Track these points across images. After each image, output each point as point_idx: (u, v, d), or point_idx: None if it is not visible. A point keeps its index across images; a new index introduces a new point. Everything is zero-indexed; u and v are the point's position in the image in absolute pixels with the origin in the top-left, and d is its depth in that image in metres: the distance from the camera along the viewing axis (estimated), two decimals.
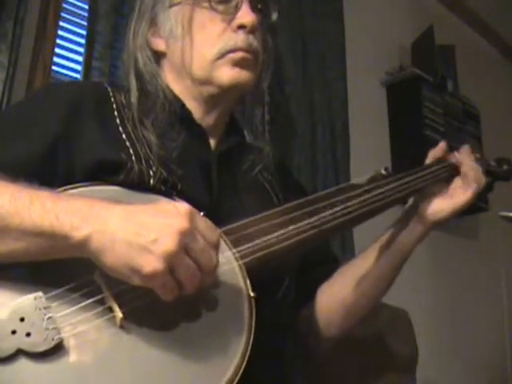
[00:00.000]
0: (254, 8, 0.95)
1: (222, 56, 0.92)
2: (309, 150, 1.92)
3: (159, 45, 0.98)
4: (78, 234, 0.64)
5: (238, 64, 0.93)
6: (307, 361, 1.19)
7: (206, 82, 0.94)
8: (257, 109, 1.06)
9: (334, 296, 1.04)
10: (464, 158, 1.01)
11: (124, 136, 0.87)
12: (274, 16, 1.02)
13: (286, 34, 1.93)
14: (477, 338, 2.63)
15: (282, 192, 1.01)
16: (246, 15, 0.93)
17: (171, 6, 0.96)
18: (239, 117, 1.08)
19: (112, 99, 0.92)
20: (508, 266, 3.01)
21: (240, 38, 0.93)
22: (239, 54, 0.92)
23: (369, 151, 2.21)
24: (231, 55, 0.92)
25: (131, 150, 0.85)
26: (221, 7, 0.94)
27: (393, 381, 1.43)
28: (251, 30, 0.93)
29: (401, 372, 1.46)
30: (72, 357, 0.63)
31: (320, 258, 1.09)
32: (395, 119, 2.49)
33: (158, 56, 0.99)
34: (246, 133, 1.07)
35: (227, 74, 0.93)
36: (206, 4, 0.94)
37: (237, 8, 0.94)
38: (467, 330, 2.59)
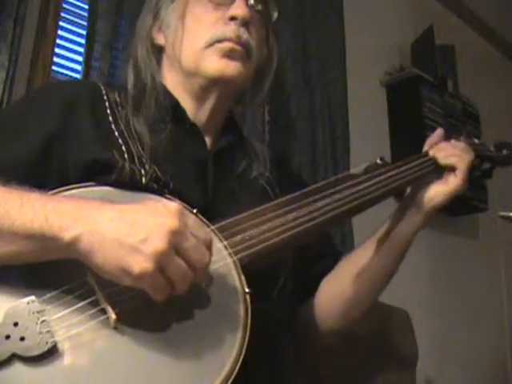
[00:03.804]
0: (250, 5, 0.95)
1: (209, 45, 0.93)
2: (309, 149, 1.92)
3: (159, 39, 1.00)
4: (68, 234, 0.63)
5: (225, 55, 0.92)
6: (306, 358, 1.19)
7: (194, 72, 0.95)
8: (257, 109, 1.05)
9: (334, 288, 1.03)
10: (441, 147, 1.00)
11: (117, 134, 0.87)
12: (275, 16, 1.02)
13: (286, 33, 1.94)
14: (477, 338, 2.63)
15: (281, 189, 1.01)
16: (238, 7, 0.93)
17: (172, 0, 0.98)
18: (239, 117, 1.08)
19: (105, 97, 0.92)
20: (508, 265, 3.01)
21: (230, 29, 0.93)
22: (227, 45, 0.92)
23: (369, 151, 2.21)
24: (219, 45, 0.92)
25: (124, 148, 0.85)
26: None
27: (393, 380, 1.43)
28: (242, 23, 0.93)
29: (401, 372, 1.46)
30: (66, 359, 0.62)
31: (322, 252, 1.08)
32: (395, 119, 2.49)
33: (160, 52, 1.00)
34: (244, 132, 1.06)
35: (214, 64, 0.92)
36: None
37: (232, 1, 0.94)
38: (467, 330, 2.59)
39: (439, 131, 1.04)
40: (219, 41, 0.92)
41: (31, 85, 1.42)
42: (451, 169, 0.96)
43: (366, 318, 1.05)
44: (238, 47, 0.93)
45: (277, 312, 0.93)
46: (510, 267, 3.01)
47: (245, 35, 0.93)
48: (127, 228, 0.63)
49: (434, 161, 0.98)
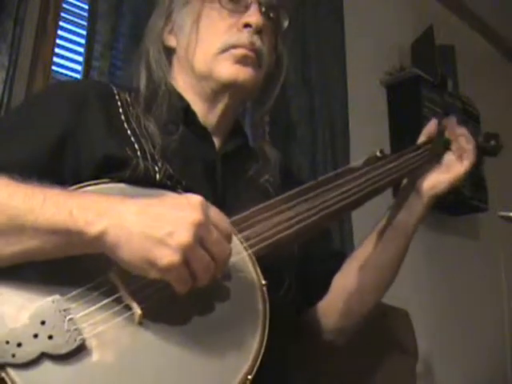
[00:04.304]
0: (263, 13, 0.97)
1: (223, 51, 0.94)
2: (309, 150, 1.92)
3: (171, 41, 1.01)
4: (93, 228, 0.64)
5: (239, 61, 0.94)
6: (309, 358, 1.20)
7: (206, 76, 0.96)
8: (258, 111, 1.07)
9: (337, 287, 1.04)
10: (458, 131, 1.03)
11: (129, 132, 0.88)
12: (285, 24, 1.05)
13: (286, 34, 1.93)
14: (477, 338, 2.63)
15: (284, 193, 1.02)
16: (252, 15, 0.95)
17: (186, 3, 0.99)
18: (239, 117, 1.08)
19: (117, 97, 0.93)
20: (508, 265, 3.01)
21: (244, 36, 0.94)
22: (241, 51, 0.94)
23: (369, 151, 2.20)
24: (233, 51, 0.94)
25: (136, 146, 0.86)
26: (230, 6, 0.96)
27: (393, 380, 1.43)
28: (256, 30, 0.95)
29: (401, 372, 1.47)
30: (95, 357, 0.63)
31: (326, 254, 1.09)
32: (395, 119, 2.49)
33: (171, 53, 1.01)
34: (249, 136, 1.08)
35: (227, 69, 0.94)
36: (216, 2, 0.96)
37: (246, 8, 0.96)
38: (467, 330, 2.59)
39: (434, 121, 1.07)
40: (233, 47, 0.94)
41: (31, 85, 1.41)
42: (459, 156, 0.99)
43: (370, 316, 1.05)
44: (251, 54, 0.95)
45: (282, 313, 0.93)
46: (510, 267, 3.01)
47: (258, 42, 0.95)
48: (152, 221, 0.64)
49: (448, 141, 1.01)
